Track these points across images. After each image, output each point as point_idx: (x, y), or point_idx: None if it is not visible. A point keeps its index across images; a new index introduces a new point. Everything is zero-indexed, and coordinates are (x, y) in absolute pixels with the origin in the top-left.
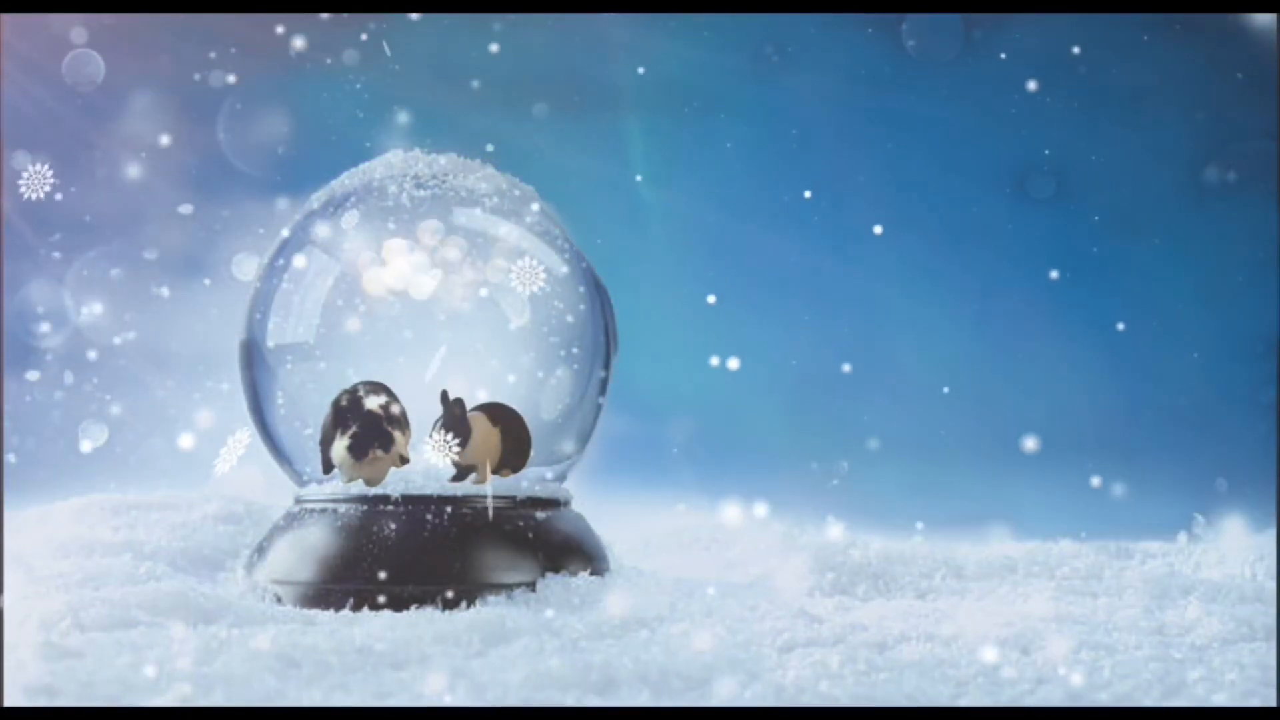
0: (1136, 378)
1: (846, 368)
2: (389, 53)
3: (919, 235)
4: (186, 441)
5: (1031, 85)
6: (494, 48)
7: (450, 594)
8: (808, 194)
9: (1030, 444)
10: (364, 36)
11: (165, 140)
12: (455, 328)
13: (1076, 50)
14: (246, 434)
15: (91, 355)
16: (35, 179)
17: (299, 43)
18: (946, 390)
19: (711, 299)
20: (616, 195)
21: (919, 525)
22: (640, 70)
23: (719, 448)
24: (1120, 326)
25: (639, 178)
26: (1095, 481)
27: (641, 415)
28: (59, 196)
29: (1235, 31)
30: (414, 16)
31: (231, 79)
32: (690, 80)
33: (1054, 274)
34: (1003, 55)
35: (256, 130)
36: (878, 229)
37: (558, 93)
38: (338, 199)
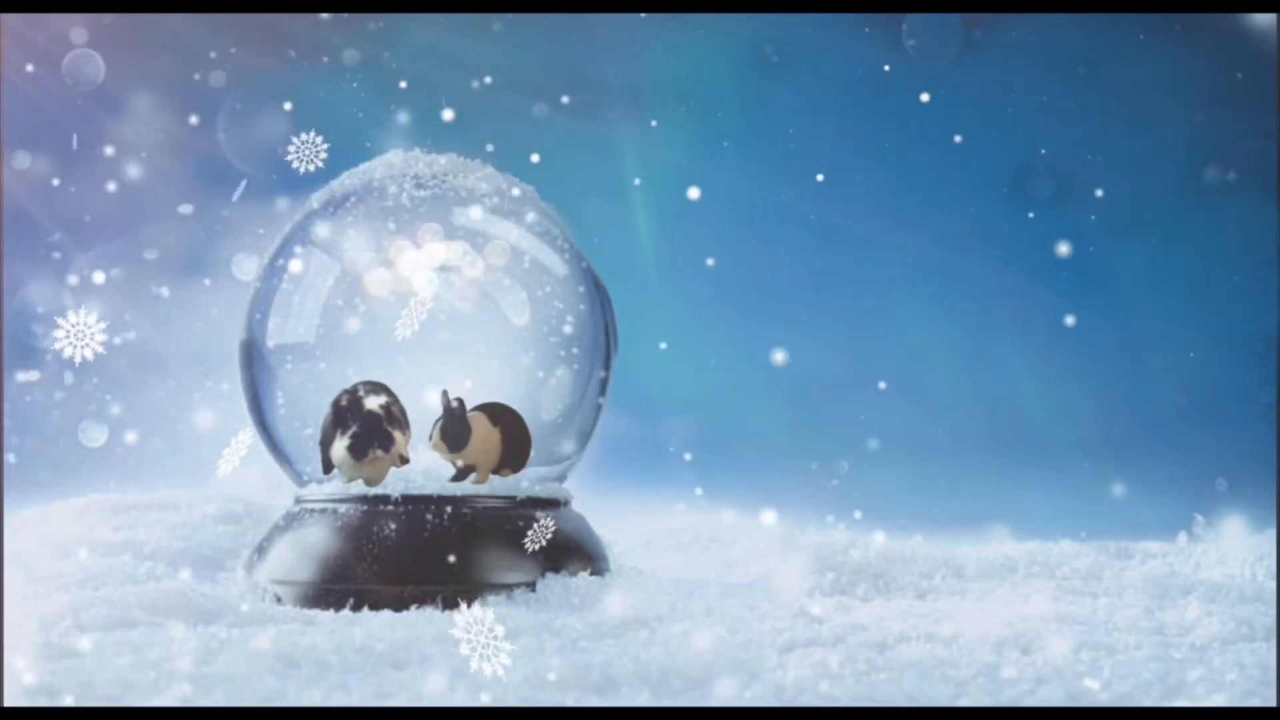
0: (1136, 378)
1: (845, 366)
2: (446, 118)
3: (919, 235)
4: (206, 421)
5: (1031, 84)
6: (497, 45)
7: (450, 594)
8: (809, 188)
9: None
10: (375, 23)
11: (165, 139)
12: (455, 328)
13: (1076, 50)
14: (248, 434)
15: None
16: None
17: (299, 43)
18: (947, 389)
19: (663, 345)
20: (616, 195)
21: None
22: (640, 70)
23: (719, 448)
24: (1120, 326)
25: (637, 181)
26: (1094, 472)
27: (641, 415)
28: (58, 190)
29: (1235, 31)
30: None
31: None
32: (690, 80)
33: (1053, 273)
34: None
35: (256, 130)
36: (878, 227)
37: (558, 93)
38: (338, 199)
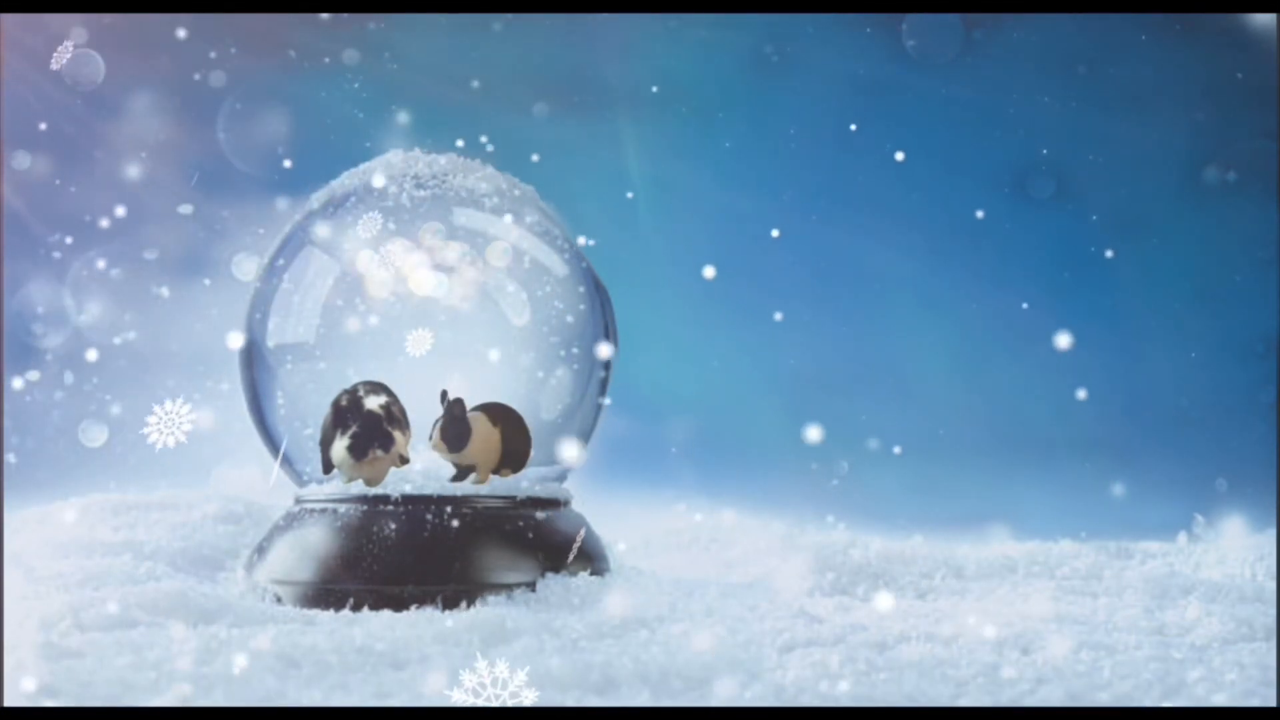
0: (1136, 378)
1: (845, 366)
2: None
3: (919, 235)
4: (206, 421)
5: (1031, 84)
6: (497, 45)
7: (450, 594)
8: (809, 189)
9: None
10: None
11: (165, 139)
12: (455, 328)
13: (1076, 50)
14: (185, 405)
15: (91, 355)
16: (61, 53)
17: (299, 43)
18: (947, 388)
19: (607, 401)
20: (616, 195)
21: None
22: (641, 70)
23: (719, 448)
24: (1119, 327)
25: (630, 195)
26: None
27: (641, 415)
28: (59, 190)
29: (1235, 31)
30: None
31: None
32: (690, 80)
33: (1054, 273)
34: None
35: (256, 130)
36: (878, 227)
37: (558, 93)
38: (338, 199)
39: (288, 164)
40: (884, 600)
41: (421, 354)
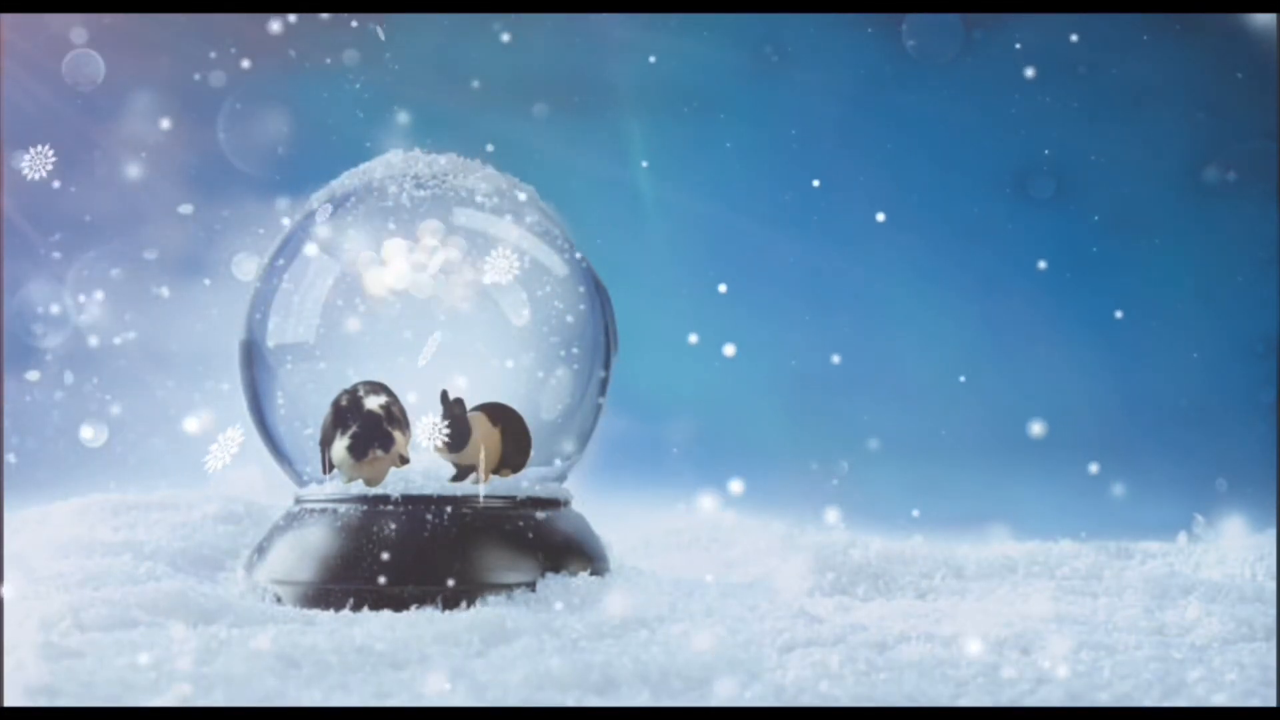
0: (1136, 378)
1: (845, 366)
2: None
3: (919, 235)
4: (193, 426)
5: (1031, 84)
6: (497, 45)
7: (450, 594)
8: (810, 189)
9: (1037, 429)
10: (355, 24)
11: (164, 139)
12: (455, 328)
13: (1076, 50)
14: (239, 432)
15: (92, 354)
16: (37, 159)
17: (299, 43)
18: (947, 389)
19: (722, 286)
20: (616, 195)
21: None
22: (641, 70)
23: (719, 447)
24: (1120, 327)
25: (644, 163)
26: (1094, 471)
27: (641, 415)
28: (58, 190)
29: (1235, 31)
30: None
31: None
32: (690, 80)
33: (1054, 273)
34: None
35: (256, 130)
36: (878, 228)
37: (558, 93)
38: (338, 199)
39: (286, 216)
40: (973, 645)
41: (426, 361)
